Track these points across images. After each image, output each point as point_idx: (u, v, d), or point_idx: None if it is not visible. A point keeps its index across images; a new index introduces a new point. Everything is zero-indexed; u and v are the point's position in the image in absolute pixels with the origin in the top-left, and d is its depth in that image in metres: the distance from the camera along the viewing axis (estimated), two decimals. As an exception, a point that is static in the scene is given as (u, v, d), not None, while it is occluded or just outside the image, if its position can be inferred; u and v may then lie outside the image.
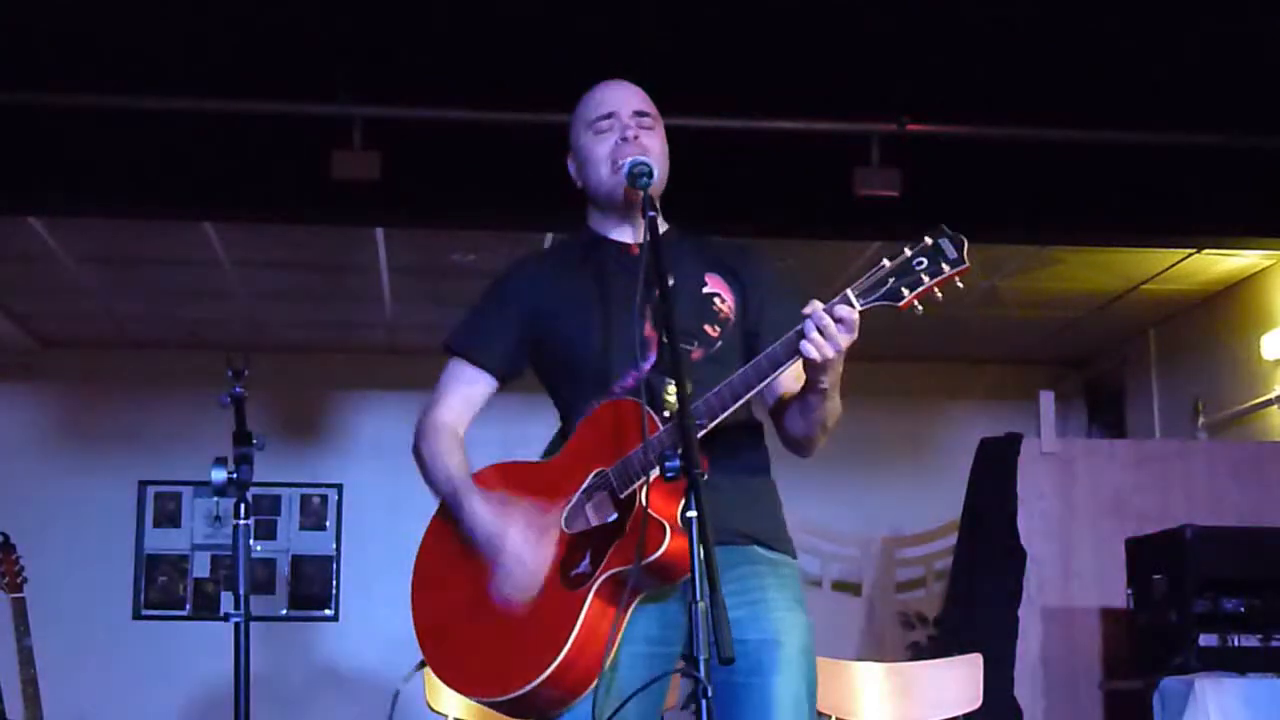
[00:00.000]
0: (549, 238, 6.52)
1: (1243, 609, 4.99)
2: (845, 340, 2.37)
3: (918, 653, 7.54)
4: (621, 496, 2.45)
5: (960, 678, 3.92)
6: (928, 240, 2.40)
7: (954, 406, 8.69)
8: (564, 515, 2.52)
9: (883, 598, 8.22)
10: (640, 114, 2.71)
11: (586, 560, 2.45)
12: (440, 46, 5.18)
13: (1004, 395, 8.45)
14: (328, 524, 8.55)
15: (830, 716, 3.72)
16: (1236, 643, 4.96)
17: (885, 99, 5.39)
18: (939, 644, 6.85)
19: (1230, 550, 5.11)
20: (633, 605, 2.45)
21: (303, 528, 8.54)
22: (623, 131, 2.68)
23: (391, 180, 5.31)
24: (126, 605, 8.36)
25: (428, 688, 3.66)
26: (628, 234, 2.72)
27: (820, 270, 6.31)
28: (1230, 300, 7.33)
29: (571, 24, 5.01)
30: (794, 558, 2.65)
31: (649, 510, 2.37)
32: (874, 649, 7.91)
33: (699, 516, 2.18)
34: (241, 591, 3.00)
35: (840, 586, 8.27)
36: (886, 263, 2.40)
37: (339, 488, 8.57)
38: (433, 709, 3.67)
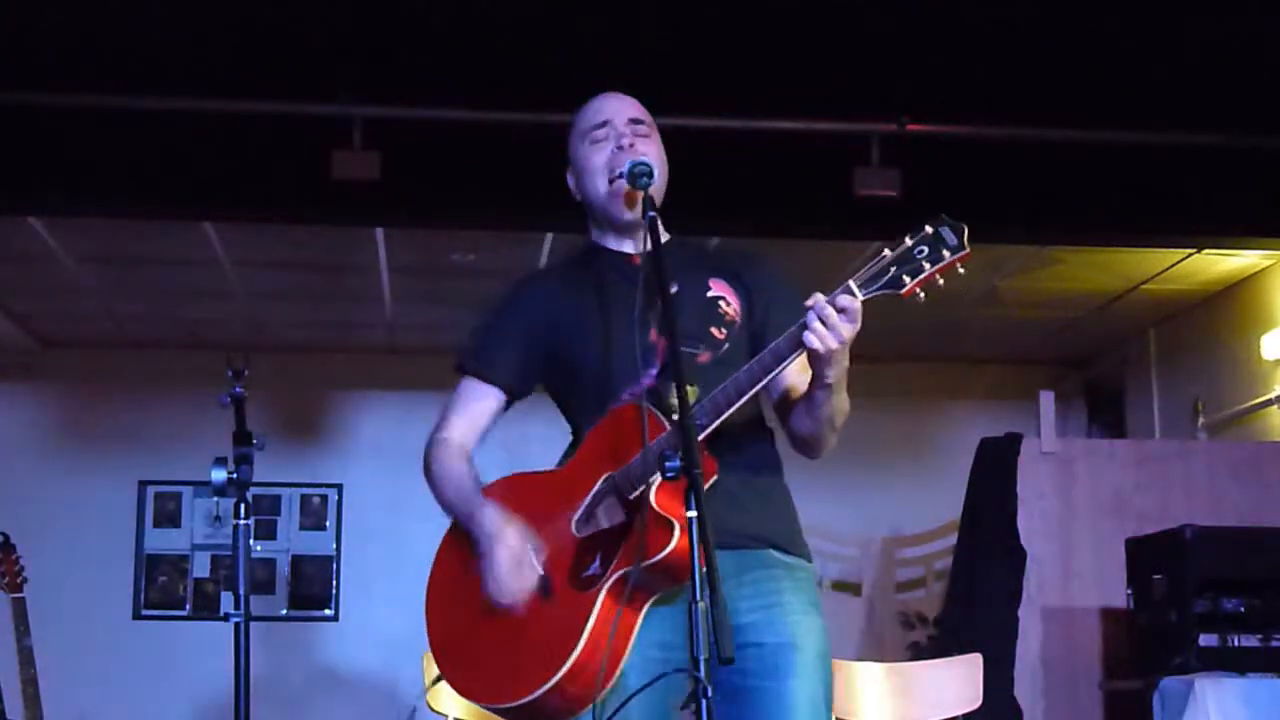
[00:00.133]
0: (549, 238, 6.54)
1: (1243, 609, 4.99)
2: (848, 330, 2.36)
3: (918, 653, 7.54)
4: (630, 498, 2.45)
5: (960, 678, 3.93)
6: (928, 229, 2.41)
7: (954, 406, 8.69)
8: (574, 520, 2.52)
9: (883, 598, 8.23)
10: (635, 121, 2.71)
11: (597, 562, 2.45)
12: (440, 46, 5.18)
13: (1004, 395, 8.44)
14: (328, 524, 8.55)
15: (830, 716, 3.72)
16: (1236, 643, 4.96)
17: (885, 99, 5.39)
18: (939, 644, 6.85)
19: (1230, 550, 5.11)
20: (645, 607, 2.44)
21: (303, 528, 8.54)
22: (618, 140, 2.68)
23: (391, 180, 5.31)
24: (126, 605, 8.36)
25: (428, 689, 3.66)
26: (628, 245, 2.72)
27: (820, 270, 6.29)
28: (1230, 300, 7.32)
29: (571, 24, 5.01)
30: (809, 561, 2.65)
31: (659, 510, 2.36)
32: (874, 649, 7.91)
33: (699, 516, 2.18)
34: (241, 591, 3.00)
35: (840, 586, 8.27)
36: (888, 252, 2.40)
37: (339, 488, 8.57)
38: (433, 709, 3.68)
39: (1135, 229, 6.05)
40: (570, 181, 2.78)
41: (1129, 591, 5.38)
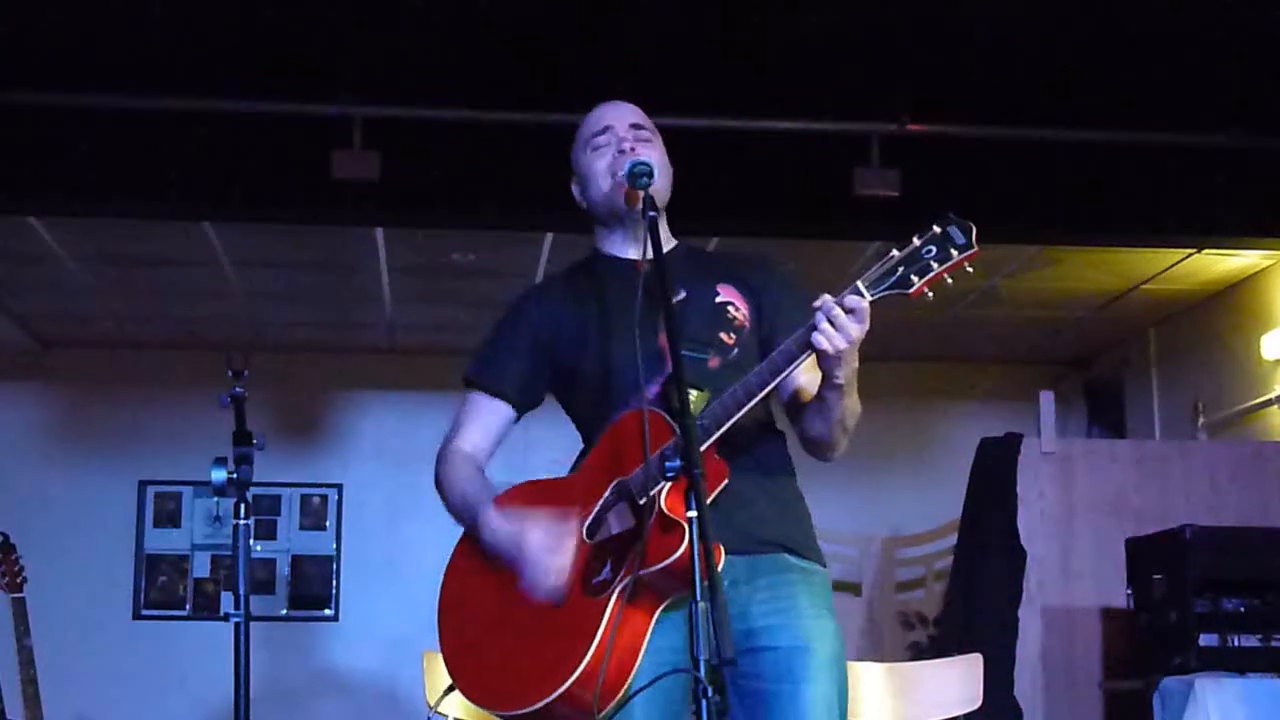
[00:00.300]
0: (549, 238, 6.54)
1: (1243, 609, 5.00)
2: (857, 330, 2.37)
3: (918, 653, 7.54)
4: (640, 503, 2.45)
5: (960, 678, 3.92)
6: (936, 228, 2.42)
7: (954, 406, 8.69)
8: (585, 526, 2.52)
9: (883, 598, 8.22)
10: (636, 127, 2.72)
11: (607, 568, 2.46)
12: (440, 46, 5.18)
13: (1004, 395, 8.44)
14: (328, 524, 8.55)
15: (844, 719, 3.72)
16: (1236, 643, 4.96)
17: (885, 99, 5.39)
18: (939, 644, 6.86)
19: (1230, 550, 5.11)
20: (657, 612, 2.44)
21: (303, 528, 8.53)
22: (619, 144, 2.68)
23: (391, 180, 5.31)
24: (126, 605, 8.36)
25: (428, 688, 3.66)
26: (633, 250, 2.72)
27: (820, 270, 6.30)
28: (1230, 300, 7.32)
29: (571, 24, 5.01)
30: (823, 565, 2.65)
31: (668, 514, 2.36)
32: (874, 649, 7.91)
33: (699, 516, 2.18)
34: (241, 591, 3.00)
35: (840, 586, 8.26)
36: (896, 252, 2.41)
37: (339, 488, 8.56)
38: (436, 712, 3.68)
39: (1135, 229, 6.05)
40: (575, 191, 2.79)
41: (1129, 591, 5.38)
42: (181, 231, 6.49)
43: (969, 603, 6.01)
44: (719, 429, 2.43)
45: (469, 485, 2.65)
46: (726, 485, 2.44)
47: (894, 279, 2.39)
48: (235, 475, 2.97)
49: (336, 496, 8.55)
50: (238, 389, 3.02)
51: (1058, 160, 5.65)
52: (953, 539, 6.57)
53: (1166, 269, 7.07)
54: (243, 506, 3.02)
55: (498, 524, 2.55)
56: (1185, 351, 7.80)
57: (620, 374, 2.58)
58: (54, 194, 5.59)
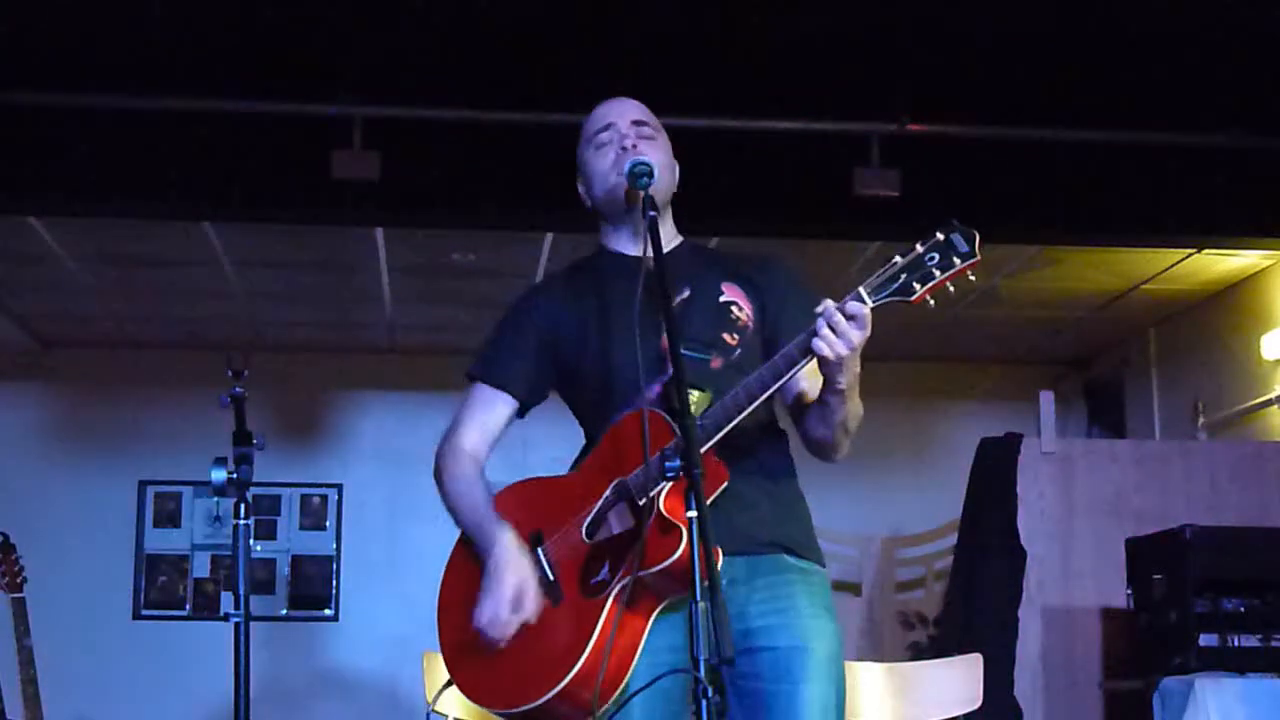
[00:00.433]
0: (549, 238, 6.54)
1: (1243, 609, 5.00)
2: (858, 337, 2.37)
3: (918, 653, 7.53)
4: (640, 504, 2.45)
5: (960, 678, 3.92)
6: (939, 235, 2.41)
7: (954, 406, 8.69)
8: (585, 525, 2.52)
9: (883, 598, 8.22)
10: (639, 123, 2.72)
11: (606, 569, 2.46)
12: (440, 46, 5.18)
13: (1004, 395, 8.44)
14: (328, 524, 8.55)
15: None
16: (1236, 643, 4.96)
17: (885, 99, 5.39)
18: (939, 644, 6.85)
19: (1230, 550, 5.11)
20: (654, 613, 2.45)
21: (303, 528, 8.53)
22: (621, 141, 2.68)
23: (391, 180, 5.31)
24: (126, 605, 8.36)
25: (428, 688, 3.66)
26: (638, 248, 2.71)
27: (820, 271, 6.30)
28: (1230, 300, 7.32)
29: (571, 24, 5.01)
30: (823, 565, 2.66)
31: (667, 515, 2.37)
32: (874, 649, 7.90)
33: (699, 516, 2.18)
34: (241, 591, 3.00)
35: (840, 586, 8.25)
36: (899, 259, 2.40)
37: (339, 488, 8.56)
38: (433, 709, 3.68)
39: (1135, 229, 6.05)
40: (581, 189, 2.78)
41: (1129, 591, 5.38)
42: (181, 231, 6.49)
43: (969, 603, 6.01)
44: (719, 431, 2.43)
45: (472, 489, 2.66)
46: (727, 487, 2.44)
47: (896, 285, 2.38)
48: (235, 475, 2.97)
49: (336, 496, 8.55)
50: (238, 389, 3.02)
51: (1058, 160, 5.65)
52: (953, 539, 6.57)
53: (1166, 269, 7.07)
54: (243, 506, 3.02)
55: (496, 547, 2.54)
56: (1185, 351, 7.80)
57: (622, 374, 2.58)
58: (54, 194, 5.59)
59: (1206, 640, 4.94)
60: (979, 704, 3.85)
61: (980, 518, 6.12)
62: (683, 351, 2.38)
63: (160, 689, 8.00)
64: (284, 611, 8.42)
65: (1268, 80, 5.29)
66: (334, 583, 8.51)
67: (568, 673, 2.40)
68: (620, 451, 2.51)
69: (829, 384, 2.46)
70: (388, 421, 8.38)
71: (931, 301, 2.40)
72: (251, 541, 3.05)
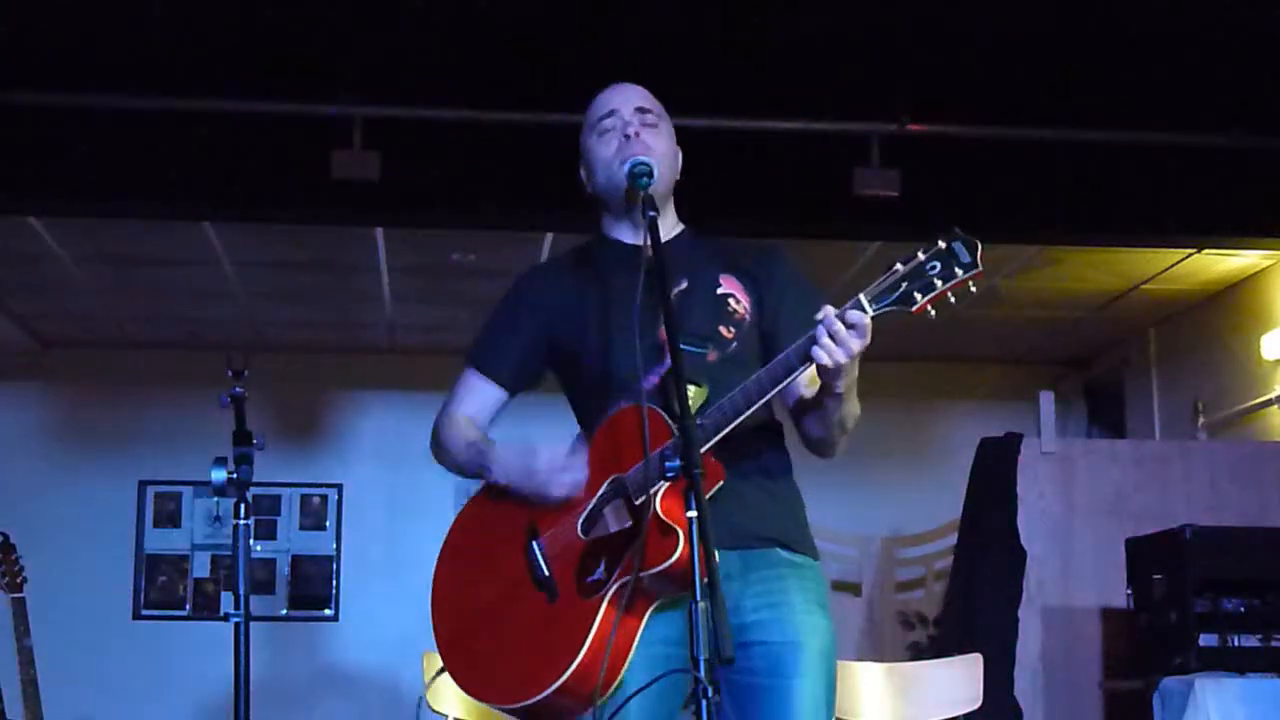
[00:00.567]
0: (549, 238, 6.53)
1: (1243, 609, 5.00)
2: (857, 345, 2.36)
3: (918, 653, 7.53)
4: (636, 504, 2.45)
5: (960, 678, 3.93)
6: (941, 243, 2.37)
7: (954, 406, 8.69)
8: (580, 522, 2.52)
9: (883, 598, 8.22)
10: (642, 110, 2.71)
11: (601, 568, 2.46)
12: (440, 46, 5.18)
13: (1004, 395, 8.44)
14: (328, 524, 8.55)
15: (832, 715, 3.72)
16: (1236, 643, 4.96)
17: (885, 99, 5.39)
18: (939, 644, 6.85)
19: (1230, 550, 5.11)
20: (649, 612, 2.45)
21: (303, 528, 8.53)
22: (624, 129, 2.67)
23: (391, 180, 5.31)
24: (126, 605, 8.36)
25: (429, 689, 3.66)
26: (639, 237, 2.69)
27: (820, 271, 6.30)
28: (1230, 300, 7.32)
29: (571, 24, 5.01)
30: (816, 559, 2.66)
31: (664, 517, 2.36)
32: (874, 649, 7.91)
33: (699, 516, 2.18)
34: (241, 591, 3.00)
35: (840, 586, 8.26)
36: (900, 267, 2.37)
37: (339, 488, 8.56)
38: (433, 709, 3.68)
39: (1135, 229, 6.05)
40: (582, 174, 2.78)
41: (1129, 591, 5.38)
42: (181, 231, 6.49)
43: (969, 603, 6.01)
44: (717, 434, 2.43)
45: (473, 434, 2.69)
46: (723, 485, 2.44)
47: (897, 295, 2.36)
48: (235, 475, 2.97)
49: (336, 496, 8.55)
50: (238, 389, 3.03)
51: (1058, 160, 5.64)
52: (953, 539, 6.57)
53: (1166, 269, 7.07)
54: (243, 506, 3.02)
55: (510, 458, 2.59)
56: (1185, 351, 7.80)
57: (619, 365, 2.58)
58: (54, 194, 5.59)
59: (1206, 640, 4.94)
60: (979, 704, 3.86)
61: (980, 518, 6.12)
62: (680, 346, 2.38)
63: (160, 689, 8.00)
64: (284, 611, 8.42)
65: (1268, 80, 5.29)
66: (334, 583, 8.51)
67: (563, 672, 2.40)
68: (617, 447, 2.51)
69: (826, 388, 2.46)
70: (388, 421, 8.37)
71: (932, 312, 2.38)
72: (251, 541, 3.06)
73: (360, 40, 5.13)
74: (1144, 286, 7.38)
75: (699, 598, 2.15)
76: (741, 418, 2.43)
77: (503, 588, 2.56)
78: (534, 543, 2.57)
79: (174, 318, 8.02)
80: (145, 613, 8.38)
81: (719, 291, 2.67)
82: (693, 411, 2.36)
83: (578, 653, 2.40)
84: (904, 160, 5.43)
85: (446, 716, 3.67)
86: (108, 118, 5.33)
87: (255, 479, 2.99)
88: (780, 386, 2.43)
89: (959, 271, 2.36)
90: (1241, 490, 6.13)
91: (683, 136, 2.79)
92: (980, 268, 2.37)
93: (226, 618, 2.99)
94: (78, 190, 5.53)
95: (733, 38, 5.11)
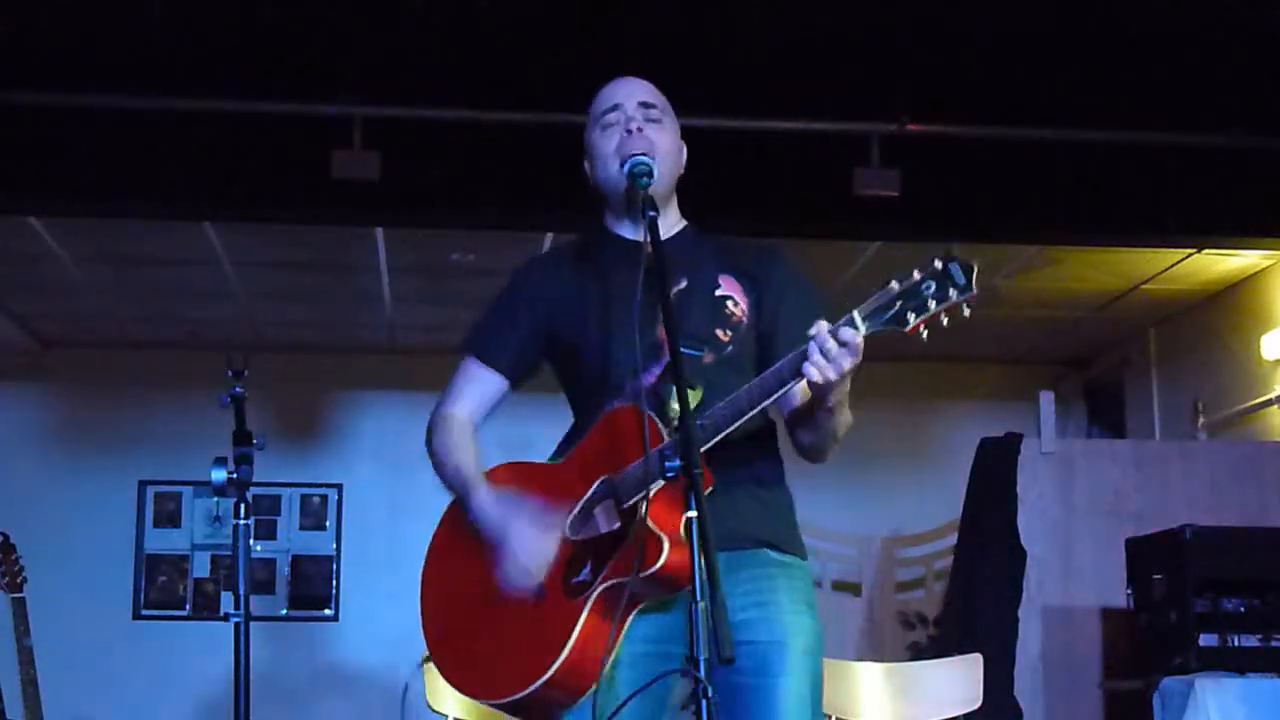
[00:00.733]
0: (549, 238, 6.53)
1: (1243, 609, 5.00)
2: (848, 363, 2.35)
3: (918, 653, 7.53)
4: (624, 506, 2.45)
5: (960, 678, 3.93)
6: (937, 264, 2.36)
7: (954, 406, 8.69)
8: (568, 522, 2.52)
9: (882, 598, 8.22)
10: (646, 105, 2.70)
11: (588, 569, 2.46)
12: (440, 46, 5.18)
13: (1004, 395, 8.45)
14: (328, 524, 8.55)
15: (830, 716, 3.72)
16: (1236, 643, 4.96)
17: (885, 99, 5.39)
18: (939, 644, 6.85)
19: (1230, 550, 5.11)
20: (632, 615, 2.45)
21: (303, 528, 8.54)
22: (627, 124, 2.67)
23: (391, 180, 5.31)
24: (126, 605, 8.36)
25: (428, 688, 3.67)
26: (640, 232, 2.67)
27: (820, 271, 6.31)
28: (1230, 300, 7.32)
29: (571, 24, 5.01)
30: (804, 559, 2.66)
31: (651, 525, 2.35)
32: (874, 649, 7.91)
33: (699, 516, 2.18)
34: (241, 591, 3.01)
35: (840, 586, 8.27)
36: (895, 285, 2.36)
37: (339, 488, 8.57)
38: (432, 709, 3.68)
39: (1135, 229, 6.05)
40: (586, 167, 2.77)
41: (1129, 591, 5.38)
42: (181, 231, 6.49)
43: (969, 603, 6.01)
44: (707, 444, 2.41)
45: (462, 456, 2.66)
46: (713, 491, 2.44)
47: (891, 314, 2.35)
48: (235, 475, 2.97)
49: (336, 496, 8.56)
50: (238, 389, 3.03)
51: (1058, 160, 5.64)
52: (953, 539, 6.57)
53: (1166, 269, 7.08)
54: (243, 506, 3.02)
55: (488, 506, 2.56)
56: (1185, 351, 7.80)
57: (618, 362, 2.58)
58: (54, 194, 5.59)
59: (1206, 640, 4.94)
60: (979, 704, 3.86)
61: (980, 518, 6.12)
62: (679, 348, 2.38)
63: (160, 689, 8.00)
64: (284, 611, 8.42)
65: (1268, 80, 5.29)
66: (334, 582, 8.51)
67: (546, 671, 2.41)
68: (607, 447, 2.51)
69: (818, 402, 2.46)
70: (388, 421, 8.37)
71: (925, 333, 2.38)
72: (251, 541, 3.06)
73: (360, 40, 5.14)
74: (1144, 286, 7.38)
75: (699, 597, 2.15)
76: (733, 426, 2.43)
77: (490, 586, 2.55)
78: None
79: (174, 318, 8.02)
80: (145, 613, 8.38)
81: (718, 293, 2.67)
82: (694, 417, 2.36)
83: (561, 652, 2.40)
84: (904, 160, 5.43)
85: (446, 716, 3.67)
86: (108, 118, 5.33)
87: (255, 479, 3.00)
88: (772, 399, 2.43)
89: (953, 293, 2.35)
90: (1241, 490, 6.13)
91: (683, 136, 2.79)
92: (975, 290, 2.36)
93: (226, 618, 2.99)
94: (78, 190, 5.53)
95: (733, 38, 5.11)
